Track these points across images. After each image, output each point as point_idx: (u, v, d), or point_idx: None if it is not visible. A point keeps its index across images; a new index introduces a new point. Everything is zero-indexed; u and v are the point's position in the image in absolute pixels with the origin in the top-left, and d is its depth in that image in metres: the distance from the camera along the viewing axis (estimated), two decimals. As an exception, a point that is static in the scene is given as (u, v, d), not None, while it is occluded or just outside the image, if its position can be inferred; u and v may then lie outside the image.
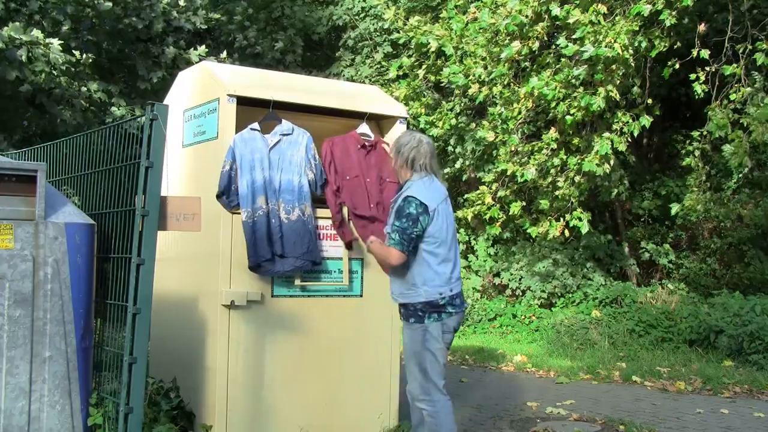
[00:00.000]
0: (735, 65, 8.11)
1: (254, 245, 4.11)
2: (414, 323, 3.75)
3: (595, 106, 7.75)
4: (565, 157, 8.47)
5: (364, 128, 4.51)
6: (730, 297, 9.17)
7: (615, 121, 8.38)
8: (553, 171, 8.66)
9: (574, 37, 7.72)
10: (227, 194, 4.15)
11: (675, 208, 9.03)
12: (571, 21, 7.66)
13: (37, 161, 4.45)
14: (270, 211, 4.18)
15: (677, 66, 8.35)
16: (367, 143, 4.49)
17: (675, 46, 8.43)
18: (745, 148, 8.28)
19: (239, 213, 4.15)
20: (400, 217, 3.66)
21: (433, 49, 9.08)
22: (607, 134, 8.31)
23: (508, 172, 8.62)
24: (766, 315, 8.15)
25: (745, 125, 8.05)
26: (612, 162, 8.47)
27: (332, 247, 4.44)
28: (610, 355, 8.47)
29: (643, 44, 7.89)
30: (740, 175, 9.89)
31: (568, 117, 8.08)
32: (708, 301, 9.55)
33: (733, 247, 10.70)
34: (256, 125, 4.25)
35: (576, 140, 8.85)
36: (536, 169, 8.46)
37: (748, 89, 8.16)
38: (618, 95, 7.93)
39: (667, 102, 11.41)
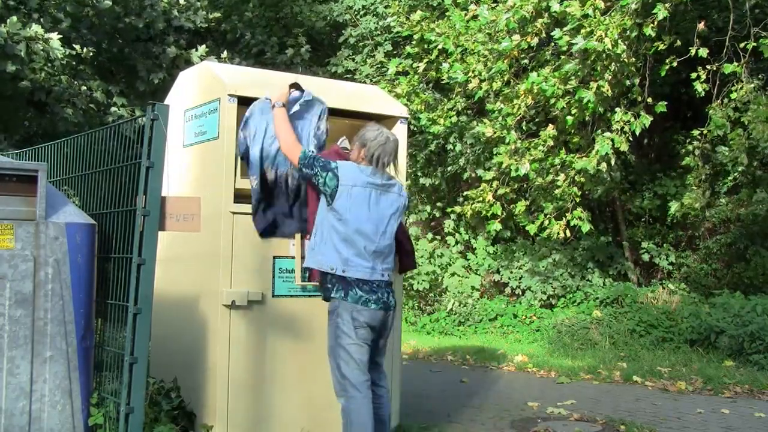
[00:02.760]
0: (736, 64, 8.10)
1: (263, 211, 4.17)
2: (328, 305, 3.85)
3: (586, 100, 7.71)
4: (565, 156, 8.46)
5: (344, 143, 4.42)
6: (731, 297, 9.17)
7: (615, 120, 8.37)
8: (552, 170, 8.65)
9: (566, 29, 7.71)
10: (246, 159, 4.19)
11: (674, 207, 9.02)
12: (568, 11, 7.63)
13: (37, 161, 4.46)
14: (278, 176, 4.22)
15: (675, 64, 8.33)
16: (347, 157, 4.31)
17: (675, 45, 8.42)
18: (744, 146, 8.30)
19: (239, 213, 4.15)
20: (318, 160, 3.87)
21: (438, 47, 9.07)
22: (608, 134, 8.28)
23: (503, 166, 8.63)
24: (766, 315, 8.15)
25: (745, 123, 8.06)
26: (612, 161, 8.43)
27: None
28: (610, 355, 8.46)
29: (634, 33, 7.84)
30: (737, 173, 9.90)
31: (569, 117, 8.06)
32: (709, 301, 9.55)
33: (734, 246, 10.69)
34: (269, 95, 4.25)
35: (576, 139, 8.85)
36: (530, 164, 8.43)
37: (752, 85, 8.15)
38: (610, 91, 7.88)
39: (669, 102, 11.39)
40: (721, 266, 10.80)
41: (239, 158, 4.21)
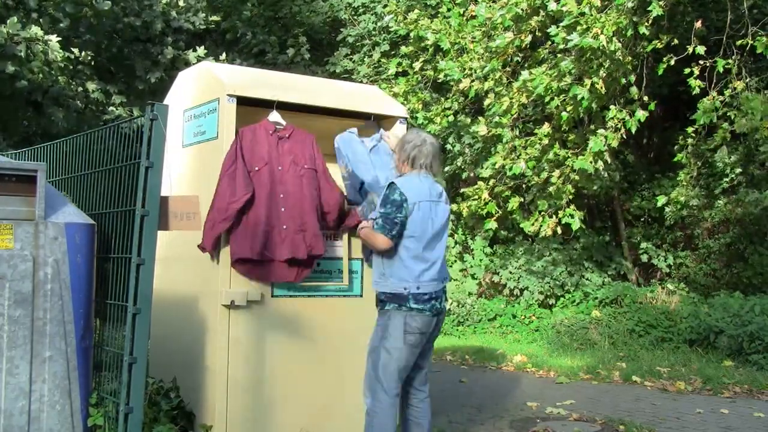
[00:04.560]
0: (730, 61, 8.12)
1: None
2: (379, 310, 3.84)
3: (580, 97, 7.70)
4: (559, 151, 8.45)
5: (275, 116, 4.31)
6: (730, 297, 9.17)
7: (610, 117, 8.36)
8: (547, 167, 8.65)
9: (561, 25, 7.72)
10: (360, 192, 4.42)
11: (661, 200, 9.08)
12: (564, 9, 7.64)
13: (36, 161, 4.45)
14: None
15: (672, 62, 8.35)
16: (278, 131, 4.28)
17: (672, 44, 8.43)
18: (727, 138, 8.35)
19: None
20: (385, 203, 3.77)
21: (430, 43, 9.08)
22: (601, 131, 8.28)
23: (497, 165, 8.64)
24: (765, 315, 8.15)
25: (732, 118, 8.10)
26: (607, 158, 8.42)
27: (332, 247, 4.43)
28: (610, 355, 8.47)
29: (630, 32, 7.84)
30: (734, 174, 9.92)
31: (564, 114, 8.07)
32: (708, 301, 9.56)
33: (732, 246, 10.70)
34: (354, 129, 4.52)
35: (572, 137, 8.85)
36: (526, 162, 8.43)
37: (745, 82, 8.16)
38: (604, 88, 7.89)
39: (669, 102, 11.40)
40: (720, 266, 10.81)
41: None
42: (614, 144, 8.20)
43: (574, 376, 7.40)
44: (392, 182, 3.83)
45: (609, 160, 8.55)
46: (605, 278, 10.79)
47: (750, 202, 9.76)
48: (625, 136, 8.39)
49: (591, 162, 8.10)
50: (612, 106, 8.36)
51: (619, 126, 8.26)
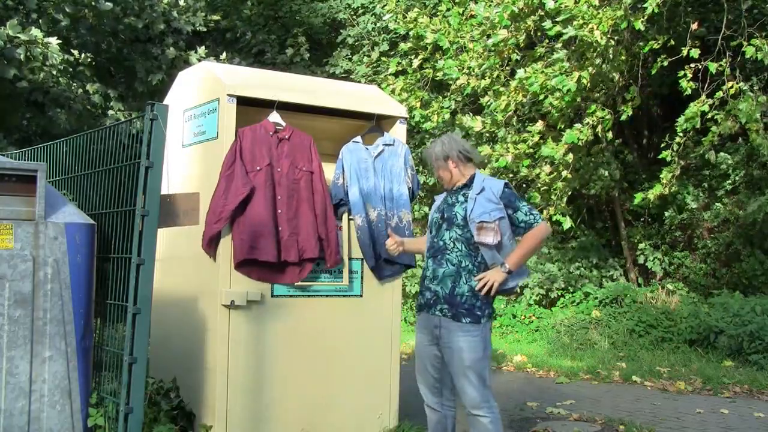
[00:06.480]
0: (723, 62, 8.12)
1: (371, 248, 4.44)
2: (470, 324, 3.65)
3: (565, 89, 7.68)
4: (548, 145, 8.43)
5: (275, 117, 4.31)
6: (730, 297, 9.17)
7: (589, 113, 8.34)
8: (539, 163, 8.64)
9: (558, 19, 7.72)
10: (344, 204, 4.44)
11: (638, 198, 9.12)
12: (562, 7, 7.64)
13: (37, 161, 4.45)
14: (378, 216, 4.46)
15: (666, 63, 8.34)
16: (279, 132, 4.29)
17: (669, 44, 8.42)
18: (714, 141, 8.38)
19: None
20: (520, 198, 3.78)
21: (429, 42, 9.09)
22: (578, 125, 8.28)
23: (483, 153, 8.63)
24: (765, 315, 8.15)
25: (718, 121, 8.12)
26: (579, 152, 8.43)
27: (332, 247, 4.44)
28: (610, 355, 8.47)
29: (624, 25, 7.84)
30: (737, 176, 9.90)
31: (553, 110, 8.08)
32: (708, 301, 9.55)
33: (732, 247, 10.70)
34: (358, 138, 4.53)
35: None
36: (515, 157, 8.42)
37: (739, 84, 8.16)
38: (589, 82, 7.88)
39: (668, 102, 11.39)
40: (720, 266, 10.81)
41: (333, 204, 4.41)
42: (583, 137, 8.17)
43: (574, 376, 7.40)
44: (506, 182, 3.82)
45: (581, 155, 8.57)
46: (605, 278, 10.78)
47: (751, 213, 9.74)
48: (601, 134, 8.42)
49: (561, 153, 8.12)
50: (593, 105, 8.38)
51: (595, 123, 8.26)
